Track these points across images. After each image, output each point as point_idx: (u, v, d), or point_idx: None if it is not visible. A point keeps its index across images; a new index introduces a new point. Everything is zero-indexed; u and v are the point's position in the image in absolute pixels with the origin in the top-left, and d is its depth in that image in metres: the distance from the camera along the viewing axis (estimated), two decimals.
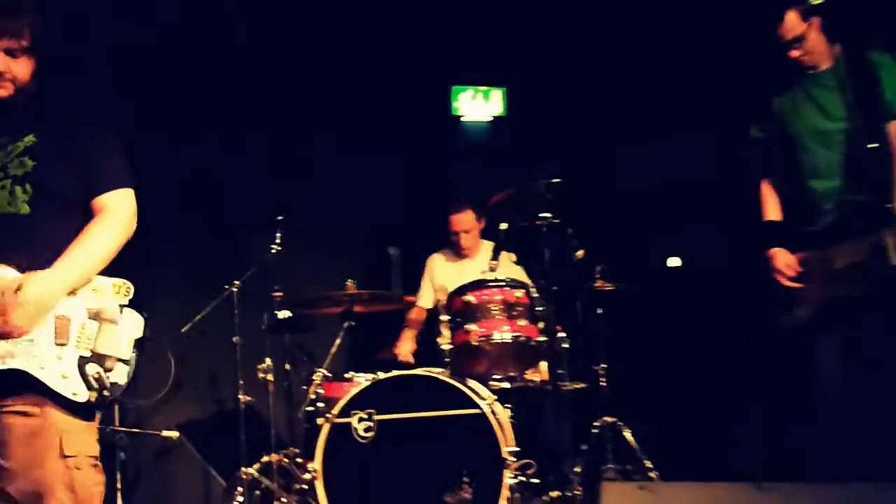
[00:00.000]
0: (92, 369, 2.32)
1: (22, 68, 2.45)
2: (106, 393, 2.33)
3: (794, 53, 3.37)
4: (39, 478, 2.25)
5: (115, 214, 2.47)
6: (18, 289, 2.24)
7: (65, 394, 2.28)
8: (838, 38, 3.42)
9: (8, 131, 2.45)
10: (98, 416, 2.41)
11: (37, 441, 2.27)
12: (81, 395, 2.29)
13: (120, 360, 2.38)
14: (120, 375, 2.36)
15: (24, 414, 2.28)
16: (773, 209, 3.61)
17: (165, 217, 4.85)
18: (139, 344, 2.42)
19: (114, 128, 2.59)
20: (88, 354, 2.34)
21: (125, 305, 2.42)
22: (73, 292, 2.36)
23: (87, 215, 2.46)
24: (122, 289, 2.43)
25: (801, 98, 3.48)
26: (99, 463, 2.37)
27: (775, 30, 3.37)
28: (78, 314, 2.35)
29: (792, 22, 3.33)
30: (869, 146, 3.23)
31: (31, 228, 2.37)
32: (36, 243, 2.36)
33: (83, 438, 2.34)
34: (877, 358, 3.23)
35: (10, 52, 2.42)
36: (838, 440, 3.29)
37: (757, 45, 3.61)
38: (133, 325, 2.43)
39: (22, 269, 2.31)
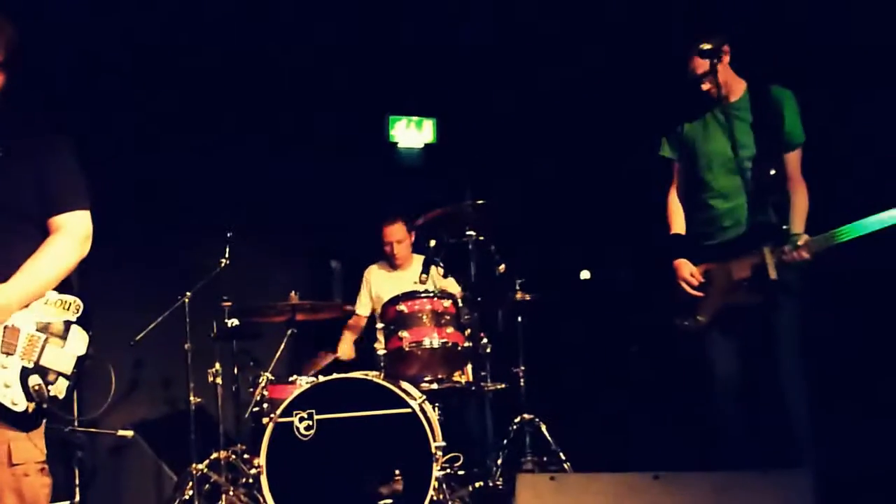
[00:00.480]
0: (34, 381, 2.25)
1: None
2: (44, 405, 2.26)
3: (706, 86, 3.36)
4: None
5: (72, 234, 2.39)
6: None
7: (4, 402, 2.20)
8: (744, 73, 3.45)
9: None
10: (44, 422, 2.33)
11: None
12: (20, 405, 2.22)
13: (62, 374, 2.32)
14: (60, 389, 2.30)
15: None
16: (678, 223, 3.61)
17: (118, 230, 4.77)
18: (81, 361, 2.37)
19: (71, 147, 2.49)
20: (32, 366, 2.27)
21: (73, 322, 2.37)
22: (26, 305, 2.29)
23: (43, 231, 2.38)
24: (73, 305, 2.38)
25: (711, 125, 3.48)
26: (46, 466, 2.31)
27: (686, 66, 3.38)
28: (27, 326, 2.29)
29: (698, 60, 3.34)
30: (771, 172, 3.25)
31: None
32: None
33: (27, 446, 2.26)
34: (767, 359, 3.27)
35: None
36: (732, 432, 3.36)
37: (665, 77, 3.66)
38: (78, 341, 2.37)
39: None
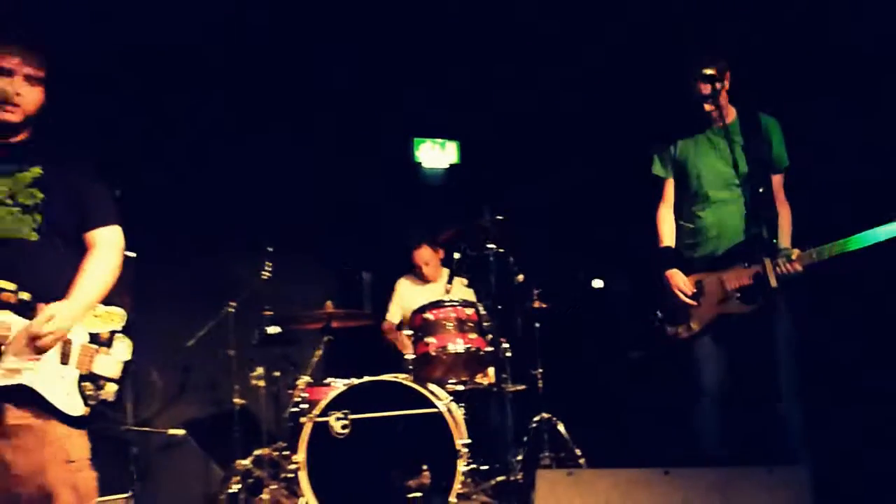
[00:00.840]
0: (88, 387, 2.30)
1: (35, 97, 2.39)
2: (98, 408, 2.32)
3: (708, 107, 3.36)
4: (45, 483, 2.22)
5: (111, 249, 2.45)
6: (49, 318, 2.20)
7: (64, 409, 2.25)
8: (734, 101, 3.47)
9: (16, 160, 2.36)
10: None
11: (44, 449, 2.23)
12: (78, 409, 2.28)
13: (111, 379, 2.37)
14: (109, 393, 2.36)
15: (30, 427, 2.23)
16: (668, 237, 3.58)
17: (171, 248, 4.84)
18: (127, 366, 2.42)
19: (96, 167, 2.53)
20: (86, 373, 2.32)
21: (118, 331, 2.42)
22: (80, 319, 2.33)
23: (80, 245, 2.42)
24: (117, 317, 2.44)
25: (704, 144, 3.48)
26: (91, 462, 2.34)
27: (690, 86, 3.38)
28: (79, 337, 2.33)
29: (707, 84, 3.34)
30: (760, 190, 3.25)
31: (39, 254, 2.31)
32: (43, 269, 2.31)
33: (81, 445, 2.32)
34: (760, 363, 3.25)
35: (29, 80, 2.36)
36: (713, 434, 3.35)
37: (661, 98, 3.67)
38: (124, 349, 2.42)
39: (31, 291, 2.24)
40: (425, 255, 5.01)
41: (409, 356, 4.16)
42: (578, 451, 4.48)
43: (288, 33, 5.16)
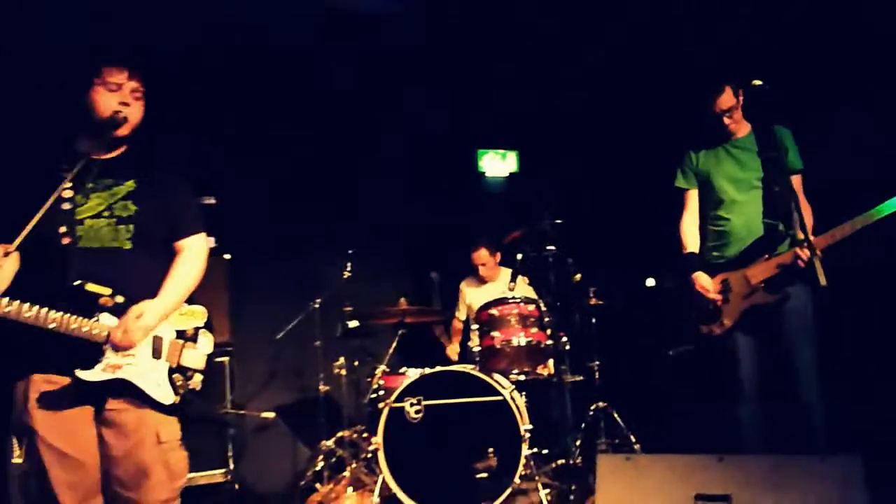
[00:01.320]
0: (177, 378, 2.32)
1: (138, 112, 2.36)
2: (187, 397, 2.33)
3: (727, 121, 3.38)
4: (142, 460, 2.24)
5: (196, 256, 2.44)
6: (138, 315, 2.23)
7: (157, 398, 2.27)
8: (748, 115, 3.47)
9: (112, 175, 2.34)
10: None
11: (139, 432, 2.26)
12: (170, 398, 2.29)
13: (197, 371, 2.38)
14: (196, 383, 2.37)
15: (127, 414, 2.25)
16: (692, 243, 3.55)
17: (265, 253, 4.94)
18: (210, 358, 2.43)
19: (186, 179, 2.50)
20: (175, 366, 2.33)
21: (201, 327, 2.43)
22: (166, 317, 2.35)
23: (170, 252, 2.43)
24: (199, 314, 2.44)
25: (723, 156, 3.47)
26: (182, 443, 2.35)
27: (710, 101, 3.38)
28: (168, 334, 2.35)
29: (729, 95, 3.36)
30: (775, 189, 3.26)
31: (132, 262, 2.30)
32: (135, 275, 2.30)
33: (171, 429, 2.33)
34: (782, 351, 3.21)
35: (134, 94, 2.33)
36: (754, 425, 3.27)
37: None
38: (207, 342, 2.43)
39: (126, 295, 2.25)
40: (483, 257, 4.99)
41: (476, 348, 4.15)
42: (633, 438, 4.39)
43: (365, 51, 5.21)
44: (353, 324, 4.55)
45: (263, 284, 4.93)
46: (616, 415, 4.49)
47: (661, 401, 4.81)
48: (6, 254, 2.10)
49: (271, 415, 4.64)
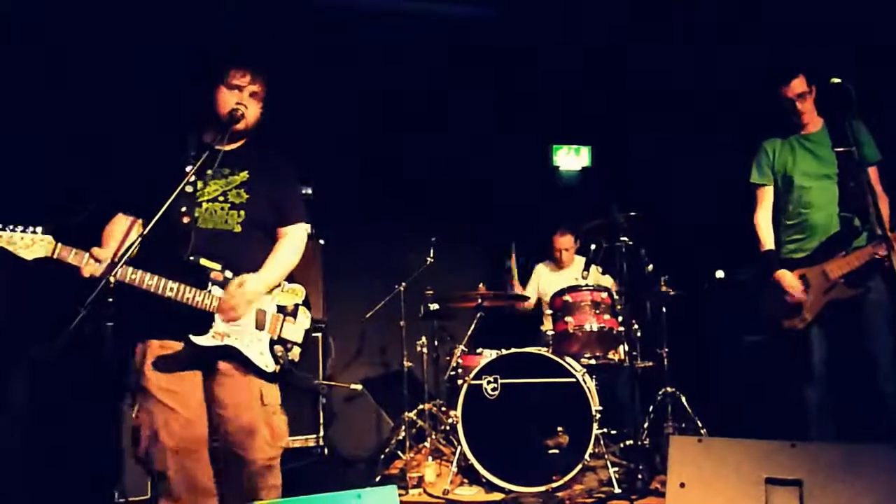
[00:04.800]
0: (278, 349, 2.39)
1: (255, 112, 2.45)
2: (287, 367, 2.40)
3: (800, 106, 3.28)
4: (248, 420, 2.32)
5: (296, 242, 2.52)
6: (240, 284, 2.30)
7: (260, 365, 2.35)
8: (821, 111, 3.37)
9: (229, 165, 2.43)
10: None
11: (245, 393, 2.34)
12: (271, 366, 2.37)
13: (295, 343, 2.44)
14: (295, 354, 2.44)
15: (235, 375, 2.34)
16: (769, 240, 3.43)
17: (355, 239, 5.06)
18: (307, 333, 2.49)
19: (296, 171, 2.58)
20: (276, 338, 2.40)
21: (300, 304, 2.50)
22: (269, 292, 2.42)
23: (274, 237, 2.51)
24: (298, 292, 2.51)
25: (798, 150, 3.37)
26: (283, 408, 2.43)
27: (782, 86, 3.29)
28: (270, 308, 2.42)
29: (802, 80, 3.27)
30: (850, 185, 3.16)
31: (241, 244, 2.39)
32: (243, 255, 2.38)
33: (274, 393, 2.41)
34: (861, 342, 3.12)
35: (253, 96, 2.43)
36: (835, 410, 3.20)
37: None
38: (305, 318, 2.50)
39: (234, 272, 2.33)
40: (566, 242, 4.98)
41: (549, 332, 4.15)
42: (700, 423, 4.32)
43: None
44: (434, 306, 4.59)
45: (354, 268, 5.04)
46: (684, 399, 4.42)
47: (729, 388, 4.69)
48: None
49: (359, 386, 4.71)
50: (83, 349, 3.32)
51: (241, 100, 2.40)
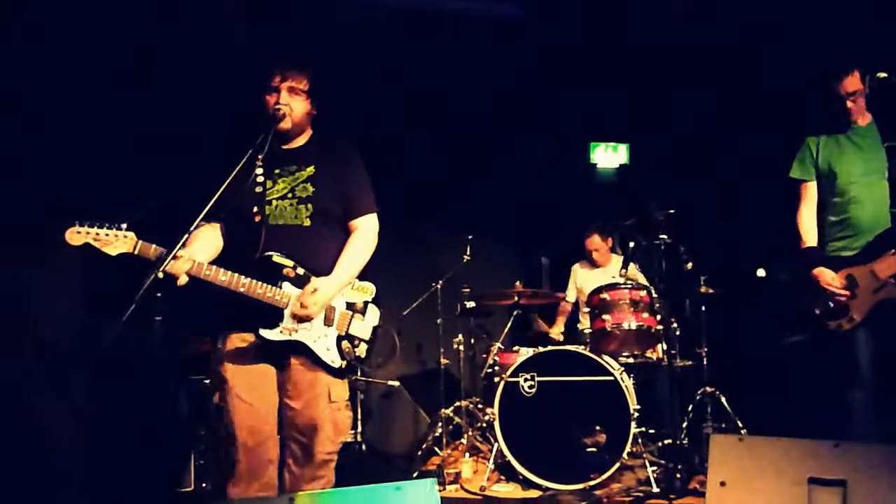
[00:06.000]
0: (345, 345, 2.41)
1: (299, 106, 2.47)
2: (353, 363, 2.42)
3: (850, 105, 3.17)
4: (315, 415, 2.37)
5: (368, 235, 2.52)
6: (314, 291, 2.34)
7: (327, 361, 2.38)
8: (870, 106, 3.25)
9: (296, 162, 2.48)
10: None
11: (313, 389, 2.38)
12: (337, 362, 2.40)
13: (363, 340, 2.46)
14: (362, 351, 2.45)
15: (304, 371, 2.38)
16: (811, 237, 3.32)
17: (395, 239, 5.08)
18: (375, 329, 2.50)
19: (361, 161, 2.58)
20: (344, 334, 2.42)
21: (369, 301, 2.51)
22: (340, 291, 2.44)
23: (345, 230, 2.52)
24: (368, 290, 2.52)
25: (846, 145, 3.25)
26: (349, 404, 2.48)
27: (835, 83, 3.18)
28: (340, 305, 2.44)
29: (856, 78, 3.16)
30: None
31: (311, 237, 2.43)
32: (314, 249, 2.42)
33: (341, 390, 2.44)
34: None
35: (292, 91, 2.45)
36: (868, 420, 3.10)
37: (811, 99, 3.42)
38: (373, 315, 2.51)
39: (305, 266, 2.37)
40: (595, 242, 4.96)
41: (587, 330, 4.14)
42: (740, 423, 4.26)
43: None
44: (470, 304, 4.62)
45: (391, 265, 5.02)
46: (724, 399, 4.36)
47: (769, 389, 4.62)
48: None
49: (396, 383, 4.79)
50: (139, 343, 3.43)
51: (281, 99, 2.45)
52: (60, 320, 3.61)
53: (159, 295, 3.04)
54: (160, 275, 2.14)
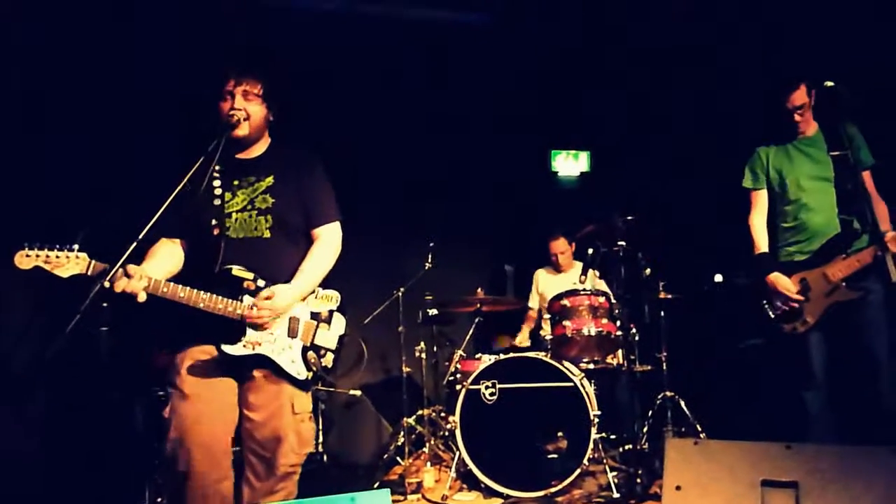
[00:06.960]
0: (310, 356, 2.36)
1: (255, 110, 2.41)
2: (319, 374, 2.38)
3: (798, 118, 3.28)
4: (277, 427, 2.32)
5: (330, 243, 2.48)
6: (268, 297, 2.29)
7: (292, 373, 2.34)
8: (817, 115, 3.35)
9: (254, 173, 2.43)
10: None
11: (277, 401, 2.34)
12: (303, 374, 2.35)
13: (329, 349, 2.42)
14: (328, 361, 2.41)
15: (268, 384, 2.34)
16: (763, 243, 3.40)
17: (355, 246, 5.04)
18: (341, 338, 2.46)
19: (323, 168, 2.52)
20: (309, 345, 2.38)
21: (334, 310, 2.47)
22: (302, 299, 2.40)
23: (307, 240, 2.47)
24: (333, 298, 2.48)
25: (795, 154, 3.34)
26: (312, 416, 2.43)
27: (783, 97, 3.28)
28: (304, 315, 2.40)
29: (802, 92, 3.25)
30: (848, 187, 3.14)
31: (271, 249, 2.38)
32: (274, 260, 2.38)
33: (304, 401, 2.40)
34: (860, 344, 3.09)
35: (246, 95, 2.39)
36: (833, 414, 3.17)
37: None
38: (339, 324, 2.47)
39: (266, 278, 2.32)
40: (560, 246, 4.99)
41: (548, 337, 4.15)
42: (699, 427, 4.31)
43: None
44: (433, 311, 4.59)
45: (351, 273, 5.00)
46: (683, 403, 4.41)
47: (727, 392, 4.69)
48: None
49: (358, 392, 4.73)
50: (85, 355, 3.33)
51: (236, 104, 2.39)
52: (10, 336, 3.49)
53: (105, 305, 2.95)
54: (106, 284, 2.07)
